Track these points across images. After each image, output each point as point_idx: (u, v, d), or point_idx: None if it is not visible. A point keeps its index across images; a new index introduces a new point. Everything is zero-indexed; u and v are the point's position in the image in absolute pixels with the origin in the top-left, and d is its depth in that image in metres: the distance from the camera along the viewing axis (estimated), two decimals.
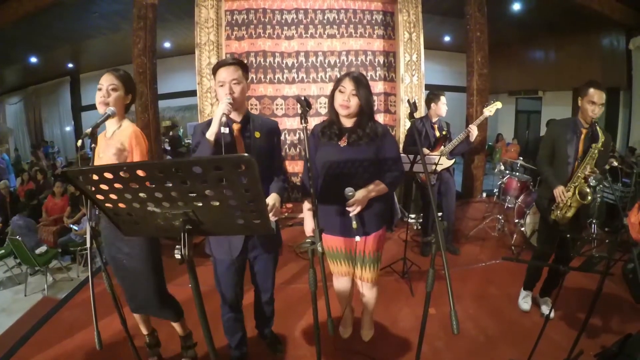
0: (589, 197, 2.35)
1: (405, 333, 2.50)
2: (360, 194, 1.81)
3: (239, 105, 1.80)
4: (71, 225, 5.55)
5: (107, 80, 1.78)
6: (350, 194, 1.78)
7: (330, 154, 1.90)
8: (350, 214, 1.81)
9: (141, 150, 1.81)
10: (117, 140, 1.79)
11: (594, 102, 2.32)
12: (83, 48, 9.32)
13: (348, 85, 1.83)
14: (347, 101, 1.83)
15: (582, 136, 2.42)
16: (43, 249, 4.89)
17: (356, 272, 2.08)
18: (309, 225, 2.03)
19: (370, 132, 1.87)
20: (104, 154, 1.79)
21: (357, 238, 1.86)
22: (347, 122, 1.92)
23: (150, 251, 1.89)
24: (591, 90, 2.33)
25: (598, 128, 2.35)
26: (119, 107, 1.81)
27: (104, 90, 1.77)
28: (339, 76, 1.95)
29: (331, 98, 1.91)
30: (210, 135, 1.68)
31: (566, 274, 1.91)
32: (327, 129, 1.93)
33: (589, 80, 2.39)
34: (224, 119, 1.66)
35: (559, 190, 2.41)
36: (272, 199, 1.76)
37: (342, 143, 1.90)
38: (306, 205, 2.03)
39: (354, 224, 1.81)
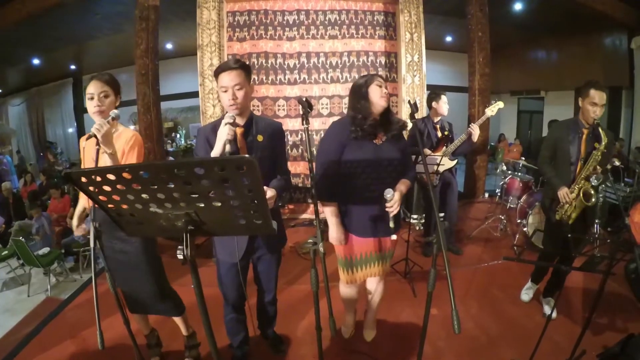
0: (593, 199, 2.35)
1: (407, 333, 2.51)
2: (397, 194, 1.84)
3: (243, 110, 1.78)
4: None
5: (96, 88, 1.77)
6: (389, 195, 1.79)
7: (366, 152, 1.87)
8: (390, 215, 1.84)
9: (139, 153, 1.83)
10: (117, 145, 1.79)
11: (596, 103, 2.30)
12: (85, 49, 9.33)
13: (382, 80, 1.89)
14: (387, 94, 1.87)
15: (584, 136, 2.41)
16: (46, 249, 4.91)
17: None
18: (334, 233, 1.96)
19: (399, 122, 1.94)
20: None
21: (394, 237, 1.92)
22: (379, 118, 1.90)
23: (146, 245, 1.90)
24: (592, 92, 2.31)
25: (600, 129, 2.33)
26: (111, 110, 1.80)
27: (96, 100, 1.76)
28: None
29: (362, 95, 1.86)
30: (215, 155, 1.66)
31: (567, 274, 1.91)
32: (358, 126, 1.85)
33: (589, 81, 2.36)
34: (227, 147, 1.58)
35: (563, 192, 2.42)
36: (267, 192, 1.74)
37: (378, 141, 1.90)
38: (329, 211, 1.95)
39: (391, 224, 1.85)
